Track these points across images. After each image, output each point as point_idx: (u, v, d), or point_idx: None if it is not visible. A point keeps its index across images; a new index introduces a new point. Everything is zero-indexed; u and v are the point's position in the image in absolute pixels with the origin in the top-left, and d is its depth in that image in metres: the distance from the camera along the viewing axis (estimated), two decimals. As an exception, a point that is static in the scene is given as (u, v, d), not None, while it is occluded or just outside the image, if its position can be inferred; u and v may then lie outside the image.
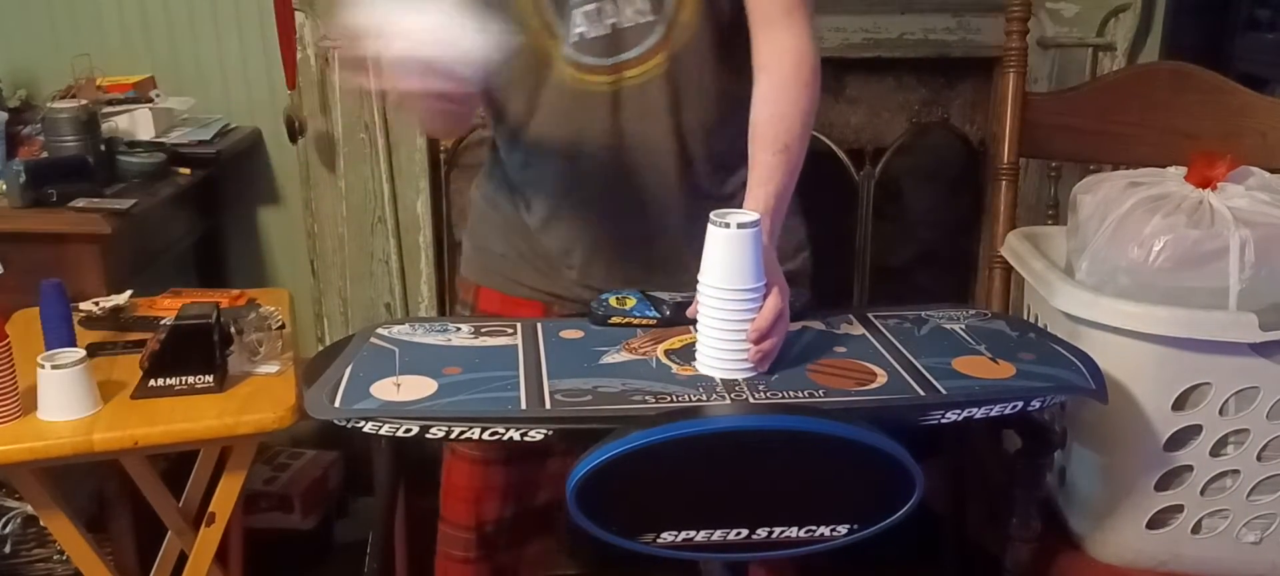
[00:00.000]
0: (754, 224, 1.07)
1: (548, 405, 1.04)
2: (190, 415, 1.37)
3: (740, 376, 1.10)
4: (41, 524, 1.64)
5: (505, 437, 1.02)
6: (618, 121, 1.25)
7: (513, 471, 1.44)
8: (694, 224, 1.14)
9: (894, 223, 2.39)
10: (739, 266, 1.08)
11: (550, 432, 1.02)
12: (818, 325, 1.27)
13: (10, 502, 1.94)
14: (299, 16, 2.16)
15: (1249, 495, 1.38)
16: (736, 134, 1.22)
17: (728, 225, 1.07)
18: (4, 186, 1.89)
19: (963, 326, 1.27)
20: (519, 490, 1.45)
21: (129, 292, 1.67)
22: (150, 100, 2.25)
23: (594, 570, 2.10)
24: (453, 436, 1.02)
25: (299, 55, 2.19)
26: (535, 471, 1.45)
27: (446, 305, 2.34)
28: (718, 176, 1.30)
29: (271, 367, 1.48)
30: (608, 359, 1.15)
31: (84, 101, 2.06)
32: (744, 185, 1.20)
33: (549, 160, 1.29)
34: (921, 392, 1.09)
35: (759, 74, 1.23)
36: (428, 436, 1.03)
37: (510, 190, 1.36)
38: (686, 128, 1.26)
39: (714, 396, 1.06)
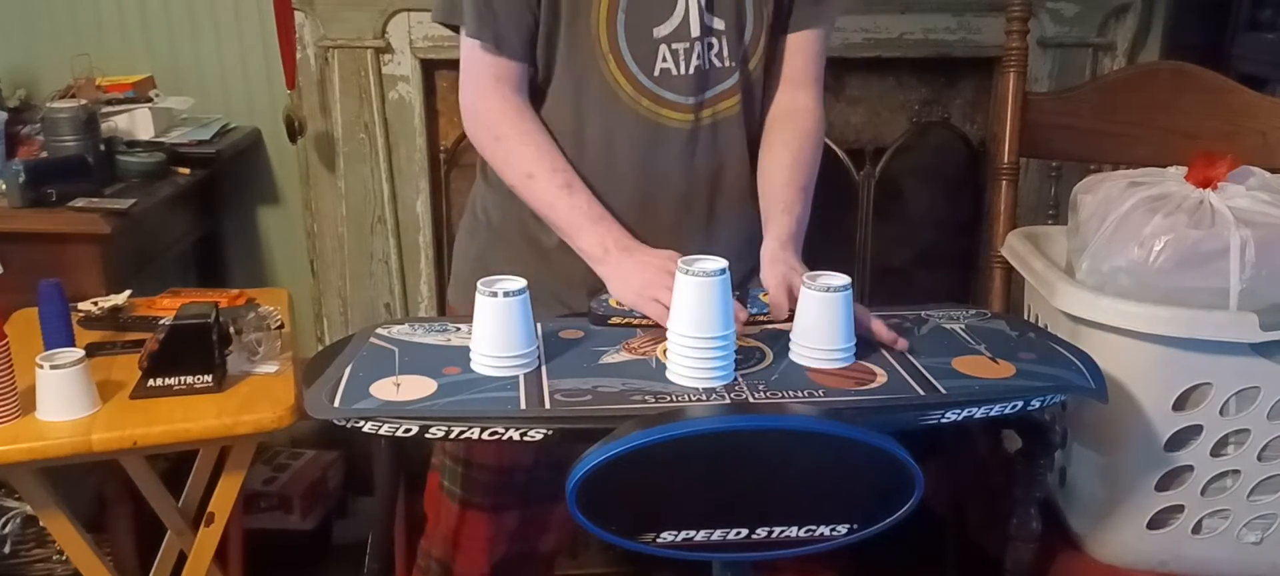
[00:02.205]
0: (723, 271, 1.07)
1: (547, 405, 1.04)
2: (189, 415, 1.37)
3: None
4: (41, 524, 1.63)
5: (505, 437, 1.02)
6: (689, 156, 1.31)
7: (516, 516, 1.45)
8: (743, 258, 1.29)
9: (894, 223, 2.39)
10: (707, 315, 1.07)
11: (550, 432, 1.02)
12: (818, 325, 1.27)
13: (10, 502, 1.94)
14: (299, 16, 2.15)
15: (1249, 495, 1.38)
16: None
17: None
18: (3, 186, 1.89)
19: (963, 326, 1.27)
20: (521, 534, 1.46)
21: (128, 292, 1.67)
22: (150, 100, 2.26)
23: (598, 570, 2.11)
24: (452, 436, 1.02)
25: (299, 55, 2.19)
26: (539, 515, 1.45)
27: (445, 305, 2.34)
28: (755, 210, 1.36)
29: (270, 367, 1.48)
30: (607, 359, 1.15)
31: (84, 101, 2.06)
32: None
33: (608, 187, 1.31)
34: (921, 392, 1.09)
35: (781, 122, 1.36)
36: (427, 436, 1.03)
37: (529, 213, 1.35)
38: (747, 163, 1.36)
39: (714, 396, 1.06)
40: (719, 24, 1.29)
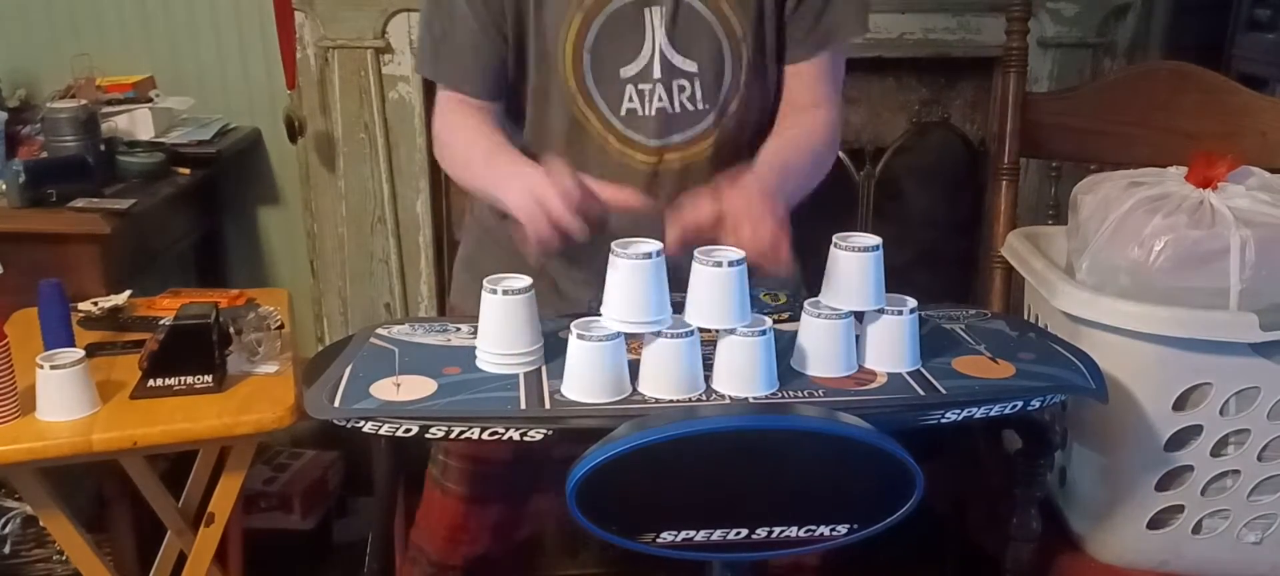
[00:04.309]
0: (657, 253, 1.05)
1: (547, 405, 1.04)
2: (189, 415, 1.37)
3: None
4: (41, 524, 1.63)
5: (505, 437, 1.02)
6: (654, 197, 1.28)
7: (496, 510, 1.45)
8: None
9: (894, 223, 2.39)
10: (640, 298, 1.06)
11: (550, 432, 1.02)
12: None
13: (10, 502, 1.94)
14: (299, 16, 2.15)
15: (1249, 495, 1.38)
16: None
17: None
18: (4, 186, 1.89)
19: (963, 326, 1.27)
20: (500, 528, 1.46)
21: (128, 293, 1.67)
22: (150, 100, 2.26)
23: (597, 570, 2.11)
24: (452, 436, 1.02)
25: (299, 55, 2.19)
26: (516, 509, 1.45)
27: (446, 305, 2.34)
28: None
29: (270, 367, 1.48)
30: (607, 359, 1.15)
31: (84, 101, 2.07)
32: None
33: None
34: (921, 392, 1.09)
35: (783, 124, 1.30)
36: (427, 436, 1.03)
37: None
38: None
39: (713, 396, 1.06)
40: (688, 66, 1.27)
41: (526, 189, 1.15)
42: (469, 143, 1.29)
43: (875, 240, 1.12)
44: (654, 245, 1.06)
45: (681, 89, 1.27)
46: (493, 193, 1.25)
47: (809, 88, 1.32)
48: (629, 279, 1.05)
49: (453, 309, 1.47)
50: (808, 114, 1.31)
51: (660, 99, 1.26)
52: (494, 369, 1.11)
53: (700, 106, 1.28)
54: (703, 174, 1.29)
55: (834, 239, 1.13)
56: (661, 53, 1.25)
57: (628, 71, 1.26)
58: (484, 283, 1.11)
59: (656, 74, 1.26)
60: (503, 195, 1.21)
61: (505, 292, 1.10)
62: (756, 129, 1.33)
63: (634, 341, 1.19)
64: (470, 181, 1.31)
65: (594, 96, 1.27)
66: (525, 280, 1.12)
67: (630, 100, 1.26)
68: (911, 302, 1.14)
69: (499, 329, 1.10)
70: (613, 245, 1.06)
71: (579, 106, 1.27)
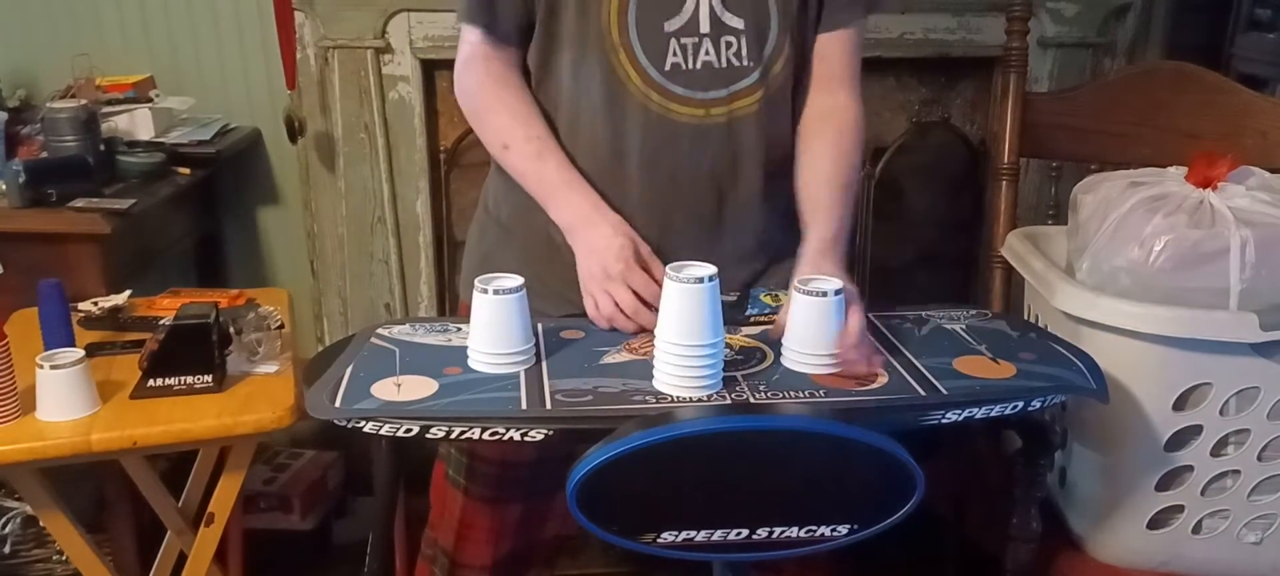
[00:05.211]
0: (712, 278, 1.06)
1: (548, 405, 1.04)
2: (189, 415, 1.37)
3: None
4: (41, 524, 1.63)
5: (505, 437, 1.02)
6: (698, 153, 1.29)
7: (515, 509, 1.45)
8: (750, 261, 1.33)
9: (894, 223, 2.39)
10: (693, 322, 1.05)
11: (550, 432, 1.02)
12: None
13: (10, 502, 1.94)
14: (299, 16, 2.15)
15: (1249, 495, 1.38)
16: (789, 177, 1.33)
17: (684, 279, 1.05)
18: (4, 186, 1.89)
19: (963, 326, 1.27)
20: (521, 527, 1.47)
21: (128, 293, 1.67)
22: (150, 100, 2.26)
23: (598, 570, 2.11)
24: (453, 436, 1.02)
25: (299, 55, 2.18)
26: (536, 508, 1.46)
27: (446, 305, 2.34)
28: (776, 217, 1.35)
29: (270, 367, 1.48)
30: (608, 359, 1.15)
31: (84, 101, 2.06)
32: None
33: (615, 182, 1.30)
34: (922, 392, 1.09)
35: (818, 122, 1.35)
36: (428, 436, 1.03)
37: (536, 206, 1.34)
38: (761, 166, 1.32)
39: (714, 397, 1.06)
40: (736, 22, 1.27)
41: (594, 250, 1.24)
42: (510, 125, 1.31)
43: (835, 284, 1.13)
44: (709, 269, 1.07)
45: (728, 45, 1.27)
46: (544, 205, 1.30)
47: (840, 61, 1.36)
48: (685, 302, 1.06)
49: (465, 307, 1.47)
50: (839, 110, 1.35)
51: (707, 53, 1.27)
52: (484, 368, 1.11)
53: (746, 62, 1.29)
54: (752, 129, 1.30)
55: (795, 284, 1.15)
56: (711, 8, 1.26)
57: (671, 25, 1.26)
58: (475, 282, 1.11)
59: (703, 28, 1.26)
60: (560, 224, 1.29)
61: (496, 292, 1.10)
62: (798, 88, 1.36)
63: (636, 342, 1.19)
64: (505, 162, 1.33)
65: (636, 50, 1.26)
66: (516, 279, 1.12)
67: (674, 55, 1.26)
68: (836, 283, 1.13)
69: (489, 328, 1.10)
70: (668, 268, 1.07)
71: (620, 60, 1.26)
